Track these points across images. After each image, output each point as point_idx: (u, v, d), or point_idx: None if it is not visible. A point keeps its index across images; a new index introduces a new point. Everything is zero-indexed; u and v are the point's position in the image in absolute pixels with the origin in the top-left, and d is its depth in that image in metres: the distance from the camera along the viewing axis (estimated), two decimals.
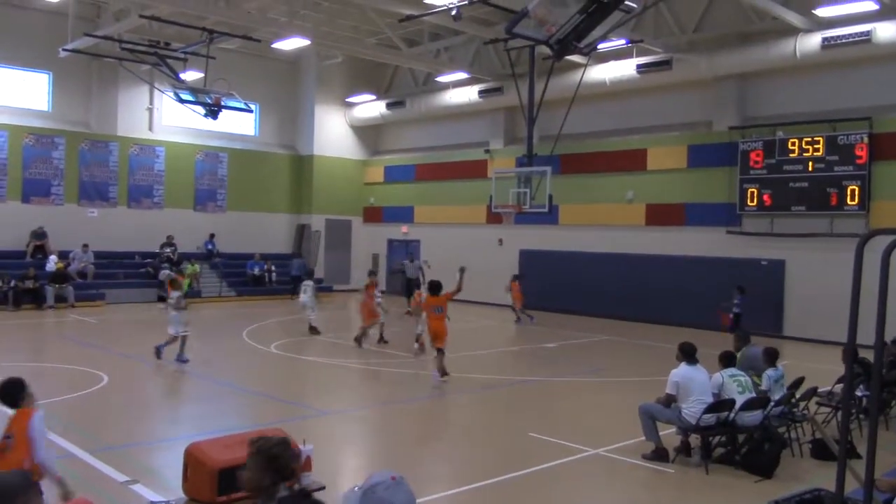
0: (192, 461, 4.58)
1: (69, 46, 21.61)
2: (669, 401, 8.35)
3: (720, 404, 8.18)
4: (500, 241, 25.97)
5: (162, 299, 24.25)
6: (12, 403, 5.04)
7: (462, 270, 13.45)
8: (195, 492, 4.55)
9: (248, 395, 11.89)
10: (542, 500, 7.35)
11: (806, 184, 18.80)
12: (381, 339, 16.67)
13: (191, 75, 22.42)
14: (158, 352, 13.81)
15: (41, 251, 23.61)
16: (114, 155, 25.85)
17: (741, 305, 17.95)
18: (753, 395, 8.49)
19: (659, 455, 8.30)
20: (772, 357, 9.25)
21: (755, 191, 19.71)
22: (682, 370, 8.37)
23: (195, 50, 20.83)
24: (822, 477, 7.36)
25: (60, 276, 22.57)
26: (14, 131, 23.75)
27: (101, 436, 9.06)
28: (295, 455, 3.49)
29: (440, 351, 12.57)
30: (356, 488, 2.56)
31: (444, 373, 12.47)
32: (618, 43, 19.42)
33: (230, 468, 4.50)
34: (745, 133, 20.05)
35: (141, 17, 19.64)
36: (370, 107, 29.87)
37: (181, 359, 13.65)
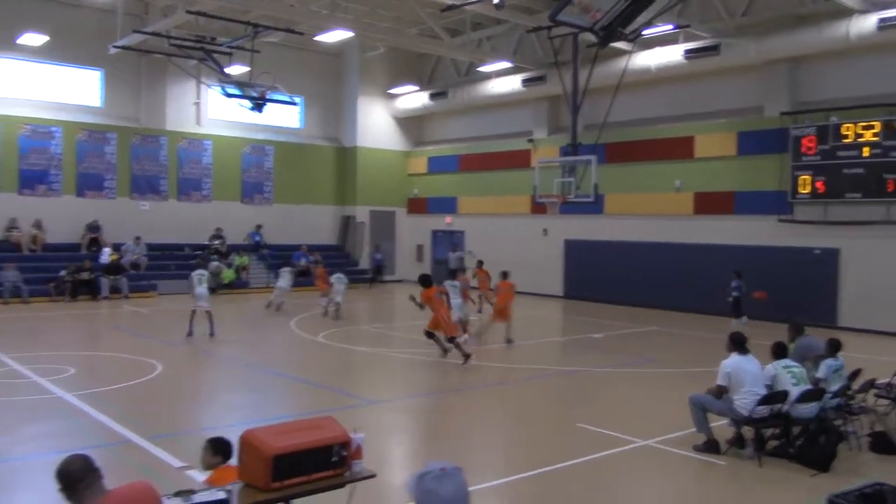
0: (247, 448, 4.63)
1: (119, 43, 22.05)
2: (720, 392, 8.21)
3: (774, 396, 8.02)
4: (545, 231, 25.82)
5: (212, 290, 24.77)
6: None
7: (412, 299, 13.91)
8: (250, 478, 4.60)
9: (298, 383, 12.04)
10: (591, 491, 7.32)
11: (861, 170, 18.27)
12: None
13: (236, 69, 22.72)
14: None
15: (96, 244, 24.21)
16: (163, 149, 26.36)
17: (739, 289, 18.25)
18: (809, 386, 8.30)
19: (710, 447, 8.18)
20: (834, 347, 9.02)
21: (808, 178, 19.23)
22: (733, 360, 8.22)
23: (240, 44, 21.09)
24: (883, 471, 7.19)
25: (114, 268, 23.13)
26: (68, 127, 24.36)
27: (157, 423, 9.27)
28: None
29: (450, 340, 13.11)
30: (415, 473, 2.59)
31: (465, 356, 12.93)
32: (664, 28, 19.06)
33: (285, 455, 4.54)
34: (797, 119, 19.56)
35: (188, 12, 19.95)
36: (413, 98, 29.91)
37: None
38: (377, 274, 28.69)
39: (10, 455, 7.99)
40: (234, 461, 5.01)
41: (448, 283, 15.87)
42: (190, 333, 15.33)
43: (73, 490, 3.47)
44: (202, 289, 15.41)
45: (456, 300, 15.11)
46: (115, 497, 3.52)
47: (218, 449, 5.21)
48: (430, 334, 13.59)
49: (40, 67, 24.08)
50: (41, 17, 22.96)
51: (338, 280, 19.43)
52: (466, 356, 12.90)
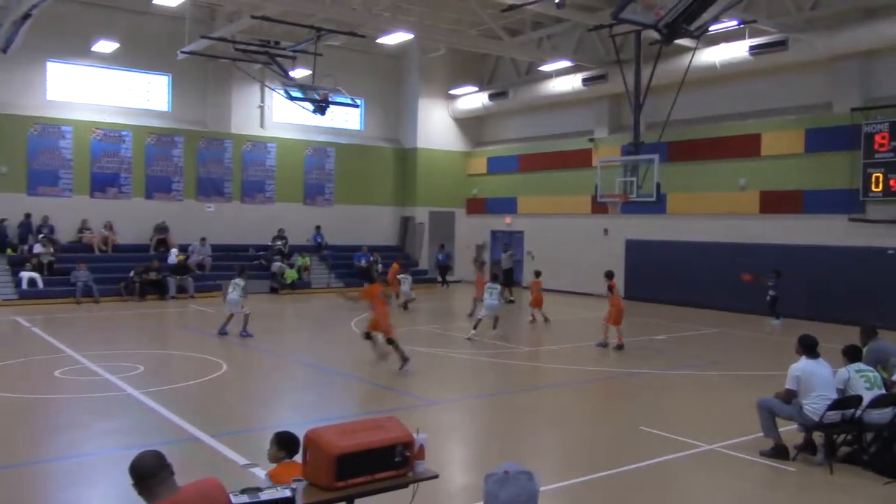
0: (312, 446, 4.70)
1: (186, 49, 22.66)
2: (789, 396, 7.98)
3: (846, 401, 7.75)
4: (606, 231, 25.52)
5: (275, 290, 25.25)
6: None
7: (343, 294, 15.00)
8: (314, 476, 4.67)
9: (359, 383, 12.17)
10: (656, 495, 7.20)
11: None
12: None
13: (299, 73, 23.10)
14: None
15: (163, 245, 24.92)
16: (228, 152, 26.98)
17: (776, 288, 18.60)
18: (883, 391, 8.00)
19: (779, 452, 7.96)
20: None
21: (880, 175, 18.55)
22: (802, 364, 7.99)
23: (303, 48, 21.46)
24: None
25: (181, 269, 23.76)
26: (137, 132, 25.15)
27: (222, 420, 9.49)
28: None
29: (389, 341, 12.66)
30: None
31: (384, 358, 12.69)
32: (729, 24, 18.63)
33: (349, 454, 4.59)
34: (869, 115, 18.89)
35: (252, 17, 20.37)
36: (473, 98, 29.93)
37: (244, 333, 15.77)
38: (443, 275, 28.57)
39: (83, 450, 8.28)
40: (298, 457, 5.09)
41: (489, 285, 16.61)
42: (223, 332, 15.88)
43: (145, 485, 3.57)
44: (232, 295, 15.97)
45: (492, 301, 16.13)
46: (186, 493, 3.61)
47: (283, 444, 5.30)
48: (367, 335, 12.97)
49: (111, 74, 24.92)
50: (112, 25, 23.75)
51: (404, 280, 21.23)
52: (404, 360, 12.39)
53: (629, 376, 12.99)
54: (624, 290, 24.53)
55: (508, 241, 28.95)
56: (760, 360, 14.25)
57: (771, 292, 18.60)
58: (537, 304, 18.86)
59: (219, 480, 3.87)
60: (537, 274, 19.52)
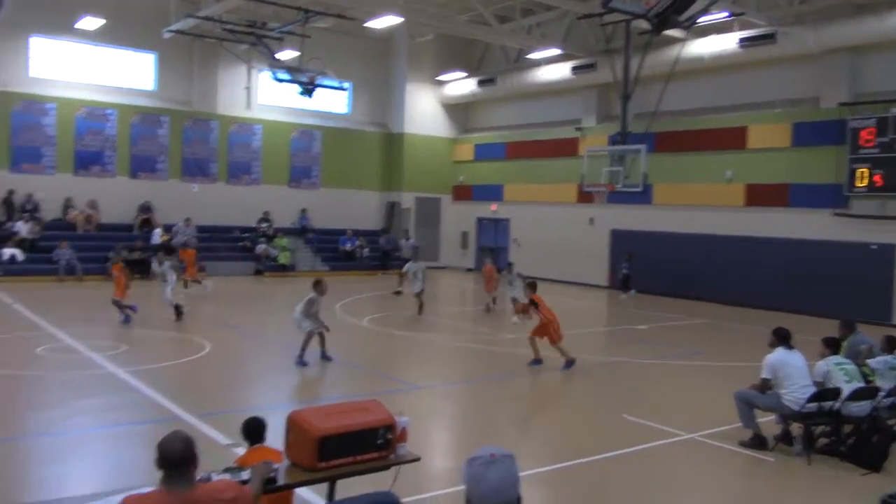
0: (295, 428, 4.71)
1: (173, 27, 22.41)
2: (765, 387, 8.05)
3: (825, 393, 7.84)
4: (591, 220, 25.59)
5: (259, 272, 25.12)
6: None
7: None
8: (296, 457, 4.69)
9: (344, 366, 12.16)
10: (637, 483, 7.26)
11: None
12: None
13: (287, 54, 22.92)
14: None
15: (147, 224, 24.74)
16: (214, 132, 26.76)
17: (628, 268, 22.43)
18: (861, 384, 8.10)
19: (758, 443, 8.05)
20: (892, 344, 8.80)
21: (866, 171, 18.68)
22: (778, 354, 8.06)
23: (291, 29, 21.29)
24: None
25: (165, 249, 23.58)
26: (123, 110, 24.88)
27: (205, 401, 9.47)
28: None
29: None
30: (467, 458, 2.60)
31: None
32: (719, 16, 18.66)
33: (331, 436, 4.61)
34: (856, 110, 19.00)
35: None
36: (461, 84, 29.83)
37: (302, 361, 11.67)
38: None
39: (64, 428, 8.23)
40: (273, 442, 5.08)
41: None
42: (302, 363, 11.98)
43: (164, 469, 3.49)
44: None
45: (515, 293, 16.37)
46: (201, 492, 3.54)
47: (245, 432, 5.22)
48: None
49: (97, 51, 24.59)
50: (99, 1, 23.41)
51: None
52: (569, 361, 11.82)
53: (611, 365, 13.07)
54: (608, 280, 24.76)
55: (495, 228, 29.00)
56: (744, 350, 14.34)
57: (624, 271, 22.56)
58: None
59: (234, 482, 3.85)
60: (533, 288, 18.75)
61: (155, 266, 15.07)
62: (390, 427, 4.85)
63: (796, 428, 8.09)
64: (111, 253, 19.71)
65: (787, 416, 7.98)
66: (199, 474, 3.69)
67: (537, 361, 12.00)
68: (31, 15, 22.62)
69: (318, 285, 11.80)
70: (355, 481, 4.75)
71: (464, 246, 30.87)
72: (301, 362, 11.50)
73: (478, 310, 18.95)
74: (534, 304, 12.12)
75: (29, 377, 10.53)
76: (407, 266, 18.30)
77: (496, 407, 10.08)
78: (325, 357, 11.82)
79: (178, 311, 15.33)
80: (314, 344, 11.75)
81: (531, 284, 12.61)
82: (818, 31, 19.07)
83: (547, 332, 11.93)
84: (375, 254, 28.20)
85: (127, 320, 14.49)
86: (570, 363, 11.89)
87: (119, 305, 14.63)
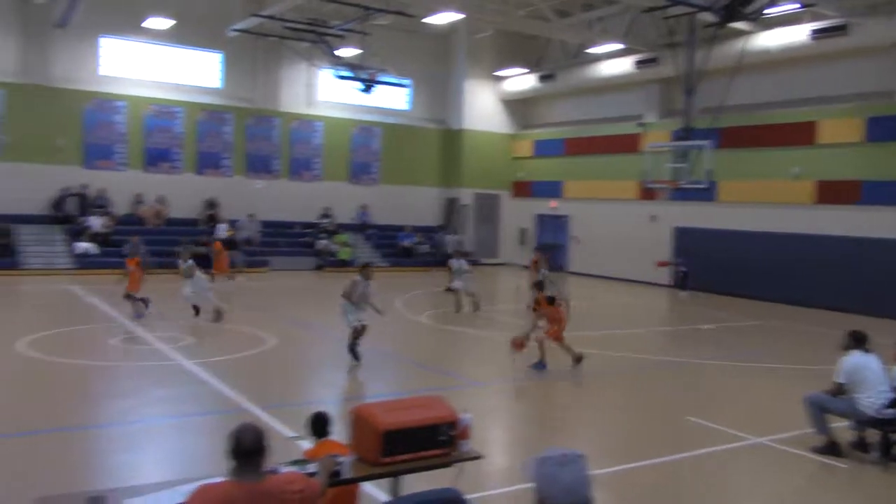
0: (359, 422, 4.74)
1: (237, 27, 22.84)
2: (838, 391, 7.77)
3: None
4: (653, 217, 25.16)
5: (320, 267, 25.46)
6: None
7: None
8: (361, 451, 4.72)
9: (405, 363, 12.24)
10: (702, 486, 7.12)
11: None
12: None
13: (347, 52, 23.13)
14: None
15: (213, 220, 25.31)
16: (276, 129, 27.21)
17: (686, 265, 22.10)
18: None
19: (831, 449, 7.76)
20: None
21: None
22: (854, 358, 7.76)
23: (351, 27, 21.47)
24: None
25: (230, 243, 24.10)
26: (189, 108, 25.50)
27: (268, 393, 9.64)
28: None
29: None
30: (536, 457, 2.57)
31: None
32: (788, 7, 18.12)
33: (395, 431, 4.63)
34: None
35: None
36: (520, 80, 29.67)
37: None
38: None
39: (138, 416, 8.49)
40: (336, 436, 5.13)
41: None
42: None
43: (234, 459, 3.54)
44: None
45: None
46: (269, 484, 3.60)
47: (312, 426, 5.27)
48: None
49: (165, 50, 25.24)
50: (165, 1, 24.01)
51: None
52: (577, 359, 11.45)
53: (674, 365, 12.84)
54: (671, 279, 24.29)
55: (555, 224, 28.76)
56: (812, 352, 13.93)
57: (682, 268, 21.97)
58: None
59: (302, 475, 3.90)
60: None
61: (180, 263, 15.26)
62: (453, 424, 4.85)
63: (872, 434, 7.80)
64: (179, 248, 20.15)
65: (862, 422, 7.70)
66: (267, 466, 3.75)
67: (541, 365, 11.44)
68: (101, 16, 23.36)
69: (364, 269, 11.52)
70: (417, 477, 4.76)
71: (522, 242, 30.71)
72: (353, 355, 11.22)
73: None
74: (552, 301, 11.71)
75: (103, 368, 10.90)
76: (450, 262, 18.46)
77: (557, 405, 10.01)
78: (353, 352, 11.20)
79: (210, 312, 14.58)
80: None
81: (538, 284, 12.29)
82: (892, 21, 18.34)
83: (555, 330, 11.54)
84: (433, 250, 28.29)
85: (139, 315, 14.58)
86: (541, 365, 11.40)
87: (132, 299, 14.79)
